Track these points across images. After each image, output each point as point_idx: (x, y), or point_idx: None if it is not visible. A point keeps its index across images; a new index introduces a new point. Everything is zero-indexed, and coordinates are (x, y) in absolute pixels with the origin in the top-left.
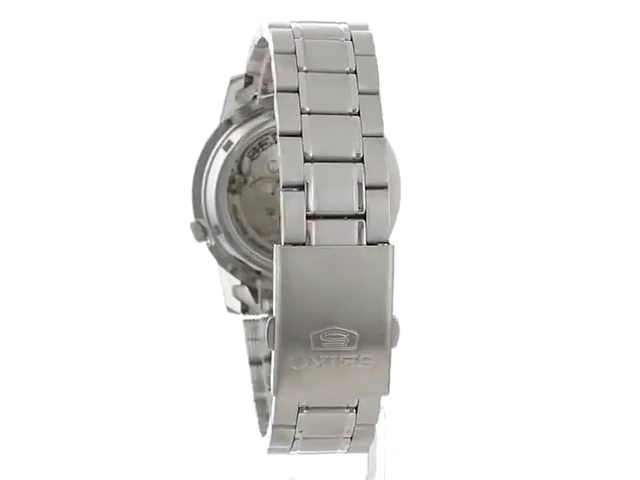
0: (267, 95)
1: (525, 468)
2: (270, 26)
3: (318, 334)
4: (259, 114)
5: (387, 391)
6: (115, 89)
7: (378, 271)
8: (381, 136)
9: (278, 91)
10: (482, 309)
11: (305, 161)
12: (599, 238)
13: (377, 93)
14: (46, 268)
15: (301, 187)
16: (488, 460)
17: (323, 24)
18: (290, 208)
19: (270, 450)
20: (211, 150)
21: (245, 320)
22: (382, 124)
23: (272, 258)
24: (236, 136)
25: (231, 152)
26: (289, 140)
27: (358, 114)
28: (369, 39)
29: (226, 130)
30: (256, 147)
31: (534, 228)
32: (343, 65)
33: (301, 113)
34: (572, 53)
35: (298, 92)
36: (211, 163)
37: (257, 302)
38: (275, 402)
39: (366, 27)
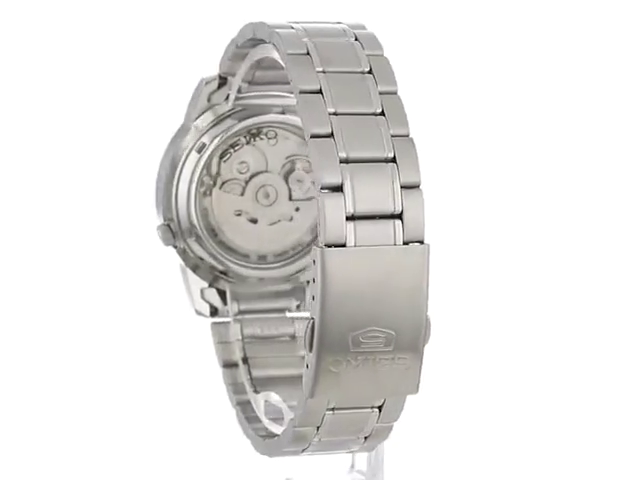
0: (243, 95)
1: (526, 469)
2: (272, 27)
3: (357, 335)
4: (230, 115)
5: (417, 390)
6: (77, 92)
7: (415, 270)
8: (407, 136)
9: (301, 92)
10: (483, 309)
11: (340, 162)
12: (606, 235)
13: (396, 93)
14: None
15: (338, 188)
16: (488, 459)
17: (322, 24)
18: (330, 209)
19: (284, 452)
20: (182, 152)
21: (214, 323)
22: (408, 124)
23: (240, 260)
24: (208, 138)
25: (203, 154)
26: (322, 141)
27: (383, 114)
28: (375, 39)
29: (197, 132)
30: (227, 149)
31: (534, 226)
32: (358, 65)
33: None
34: (575, 53)
35: (321, 93)
36: (182, 165)
37: (225, 304)
38: (306, 404)
39: (364, 27)
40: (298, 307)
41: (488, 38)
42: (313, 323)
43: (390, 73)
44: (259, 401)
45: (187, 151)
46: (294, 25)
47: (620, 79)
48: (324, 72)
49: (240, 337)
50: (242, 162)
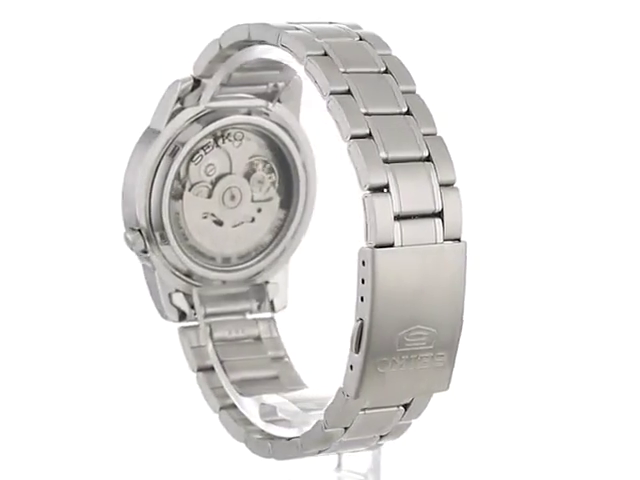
0: (217, 97)
1: (527, 470)
2: (279, 28)
3: (403, 334)
4: (201, 118)
5: (448, 387)
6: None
7: (455, 268)
8: (435, 134)
9: (332, 94)
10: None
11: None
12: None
13: (415, 92)
14: None
15: (384, 189)
16: (487, 458)
17: (322, 24)
18: (379, 210)
19: (302, 455)
20: (154, 157)
21: (183, 327)
22: (435, 123)
23: (207, 263)
24: (181, 141)
25: (176, 158)
26: (363, 142)
27: (411, 114)
28: (380, 38)
29: (170, 135)
30: (198, 151)
31: (535, 224)
32: (374, 65)
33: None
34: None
35: (351, 94)
36: (155, 170)
37: (192, 308)
38: (346, 405)
39: (360, 27)
40: (259, 308)
41: (475, 38)
42: (361, 324)
43: (406, 72)
44: (248, 403)
45: (159, 155)
46: (298, 26)
47: (629, 70)
48: (347, 72)
49: (211, 340)
50: (209, 164)
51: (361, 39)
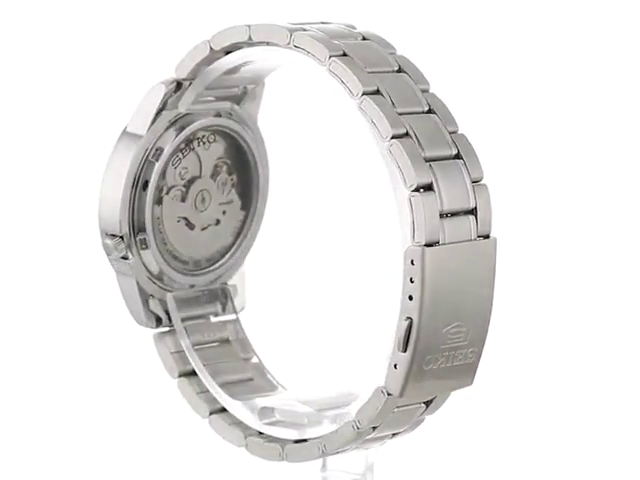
0: (200, 100)
1: (526, 470)
2: (290, 29)
3: (446, 331)
4: (179, 120)
5: (472, 382)
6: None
7: (488, 264)
8: (457, 132)
9: (364, 94)
10: None
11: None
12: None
13: (429, 90)
14: None
15: (429, 187)
16: (481, 458)
17: (322, 24)
18: (427, 209)
19: (327, 454)
20: (137, 161)
21: (161, 333)
22: (456, 121)
23: (181, 267)
24: (163, 144)
25: (160, 162)
26: (405, 141)
27: (434, 112)
28: (382, 38)
29: (152, 138)
30: (177, 154)
31: (535, 221)
32: (389, 65)
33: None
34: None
35: (381, 94)
36: (139, 174)
37: (167, 314)
38: (386, 404)
39: (354, 26)
40: (223, 310)
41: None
42: (410, 323)
43: (419, 71)
44: (239, 406)
45: (142, 160)
46: (305, 27)
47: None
48: (372, 72)
49: (190, 344)
50: (184, 168)
51: (364, 39)
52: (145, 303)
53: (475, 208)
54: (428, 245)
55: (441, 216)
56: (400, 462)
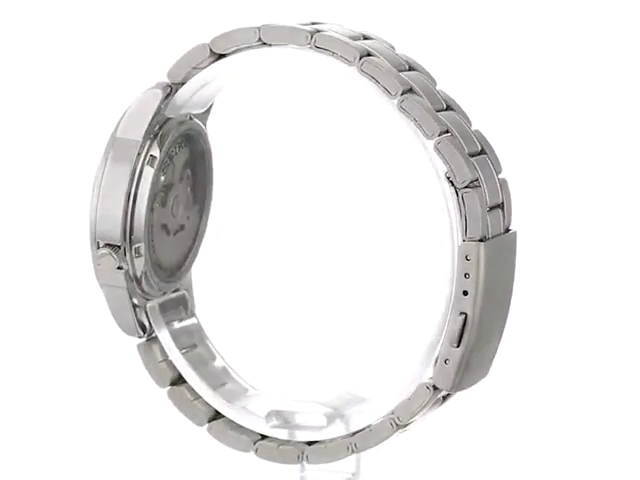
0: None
1: (526, 471)
2: (307, 31)
3: (492, 325)
4: (166, 124)
5: (487, 373)
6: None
7: (513, 255)
8: (471, 128)
9: (404, 93)
10: None
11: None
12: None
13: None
14: None
15: (476, 183)
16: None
17: (322, 24)
18: (480, 205)
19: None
20: (134, 167)
21: (146, 343)
22: (468, 117)
23: (162, 275)
24: (155, 150)
25: (154, 168)
26: (450, 139)
27: (452, 109)
28: (380, 37)
29: (146, 144)
30: (166, 159)
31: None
32: (402, 65)
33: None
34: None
35: (415, 92)
36: (137, 182)
37: (150, 323)
38: (430, 399)
39: (351, 27)
40: (186, 314)
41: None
42: (465, 318)
43: (424, 68)
44: (238, 411)
45: (140, 166)
46: (318, 27)
47: None
48: (400, 72)
49: (178, 351)
50: (165, 173)
51: (366, 38)
52: (134, 312)
53: (503, 202)
54: (481, 240)
55: (487, 211)
56: (389, 460)
